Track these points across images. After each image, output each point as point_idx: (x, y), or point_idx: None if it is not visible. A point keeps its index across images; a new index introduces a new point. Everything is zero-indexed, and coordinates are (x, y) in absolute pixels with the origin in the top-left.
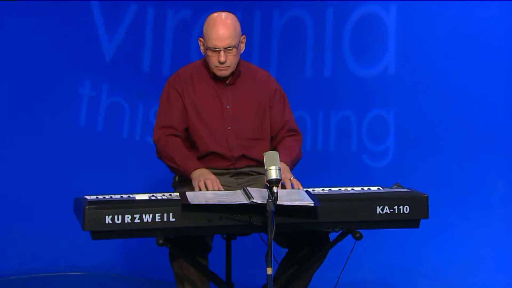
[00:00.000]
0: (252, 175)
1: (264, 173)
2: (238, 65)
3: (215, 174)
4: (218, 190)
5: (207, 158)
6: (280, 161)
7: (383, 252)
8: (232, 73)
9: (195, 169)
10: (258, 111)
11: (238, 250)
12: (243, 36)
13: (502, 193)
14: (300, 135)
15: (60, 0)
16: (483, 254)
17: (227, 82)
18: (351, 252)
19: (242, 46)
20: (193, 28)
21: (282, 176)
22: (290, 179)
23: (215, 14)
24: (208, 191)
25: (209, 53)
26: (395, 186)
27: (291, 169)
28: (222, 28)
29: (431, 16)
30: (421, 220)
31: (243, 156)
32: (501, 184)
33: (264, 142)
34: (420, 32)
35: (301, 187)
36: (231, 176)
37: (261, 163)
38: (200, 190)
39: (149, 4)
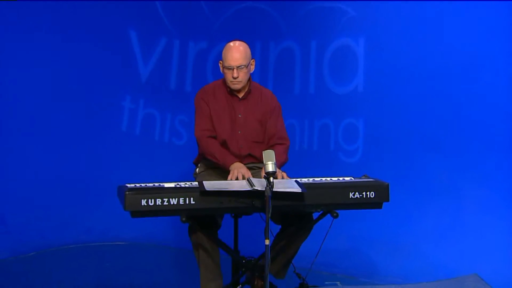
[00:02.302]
0: (254, 169)
1: (262, 167)
2: (249, 84)
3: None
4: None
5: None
6: None
7: (355, 227)
8: (244, 89)
9: (232, 163)
10: (261, 121)
11: (243, 226)
12: (253, 59)
13: (445, 182)
14: (288, 142)
15: (108, 35)
16: (430, 228)
17: (240, 97)
18: (329, 227)
19: (252, 68)
20: (209, 56)
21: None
22: (281, 174)
23: (231, 42)
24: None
25: (226, 71)
26: (364, 177)
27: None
28: (235, 51)
29: (391, 47)
30: (383, 203)
31: (249, 155)
32: (445, 175)
33: (264, 145)
34: (382, 59)
35: (288, 178)
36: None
37: (261, 161)
38: (237, 179)
39: (175, 37)
